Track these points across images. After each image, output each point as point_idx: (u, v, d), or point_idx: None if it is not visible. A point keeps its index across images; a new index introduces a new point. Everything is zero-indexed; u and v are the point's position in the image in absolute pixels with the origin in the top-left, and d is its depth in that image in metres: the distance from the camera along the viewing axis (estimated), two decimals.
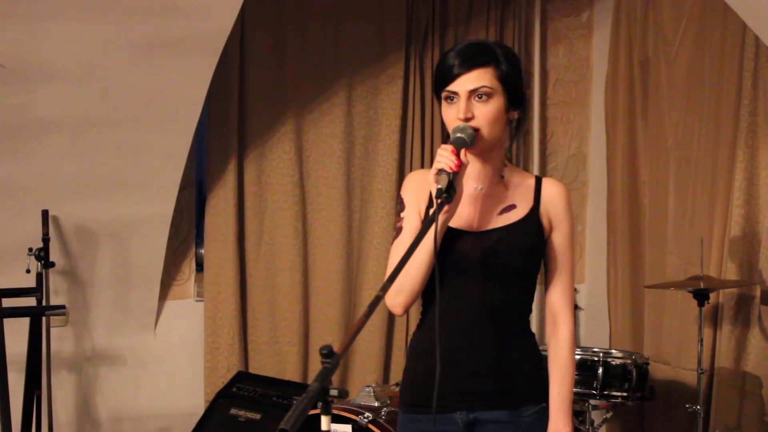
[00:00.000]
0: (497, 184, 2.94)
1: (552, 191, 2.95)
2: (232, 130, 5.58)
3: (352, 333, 2.20)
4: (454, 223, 2.85)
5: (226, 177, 5.58)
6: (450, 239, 2.85)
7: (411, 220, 2.91)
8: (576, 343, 3.06)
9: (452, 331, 2.87)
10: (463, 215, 2.88)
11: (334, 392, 2.05)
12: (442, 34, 5.98)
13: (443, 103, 2.86)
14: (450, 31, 6.02)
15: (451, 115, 2.82)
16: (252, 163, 5.66)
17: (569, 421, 2.94)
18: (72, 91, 4.83)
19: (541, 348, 3.03)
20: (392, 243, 2.95)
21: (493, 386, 2.89)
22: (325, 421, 2.06)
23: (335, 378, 5.72)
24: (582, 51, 6.49)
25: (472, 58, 2.81)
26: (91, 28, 4.65)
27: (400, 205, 2.98)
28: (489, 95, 2.79)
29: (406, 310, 2.90)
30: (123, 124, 5.02)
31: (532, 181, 2.98)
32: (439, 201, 2.63)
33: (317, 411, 2.04)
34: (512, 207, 2.92)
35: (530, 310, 3.00)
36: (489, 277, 2.87)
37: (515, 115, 2.90)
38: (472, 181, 2.92)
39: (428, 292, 2.86)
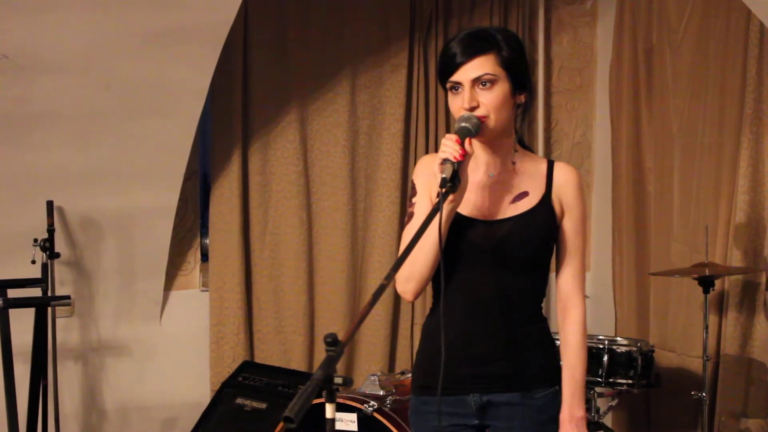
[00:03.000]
0: (509, 170, 2.94)
1: (563, 176, 2.95)
2: (236, 120, 5.58)
3: (356, 321, 2.20)
4: (465, 211, 2.87)
5: (230, 167, 5.58)
6: (461, 228, 2.86)
7: (422, 205, 2.91)
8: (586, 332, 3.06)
9: (464, 316, 2.89)
10: (474, 203, 2.89)
11: (338, 380, 2.05)
12: (446, 22, 5.98)
13: (449, 93, 2.86)
14: (454, 20, 6.01)
15: (457, 105, 2.83)
16: (256, 153, 5.66)
17: (582, 405, 2.97)
18: (76, 81, 4.83)
19: (553, 332, 3.04)
20: (404, 228, 2.97)
21: (506, 369, 2.91)
22: (329, 409, 2.07)
23: (340, 367, 5.73)
24: (586, 38, 6.48)
25: (473, 46, 2.80)
26: (95, 19, 4.65)
27: (412, 190, 2.99)
28: (492, 82, 2.79)
29: (417, 296, 2.93)
30: (127, 114, 5.02)
31: (544, 167, 2.98)
32: (443, 190, 2.63)
33: (322, 399, 2.05)
34: (524, 195, 2.92)
35: (543, 295, 3.02)
36: (501, 265, 2.88)
37: (522, 98, 2.90)
38: (483, 168, 2.93)
39: (439, 278, 2.86)
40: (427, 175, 2.92)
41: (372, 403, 4.31)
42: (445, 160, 2.66)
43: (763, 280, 5.17)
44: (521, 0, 6.19)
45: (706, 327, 4.97)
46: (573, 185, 2.96)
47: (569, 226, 2.97)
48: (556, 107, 6.47)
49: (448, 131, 3.07)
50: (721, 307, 5.30)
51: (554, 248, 3.01)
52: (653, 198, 5.87)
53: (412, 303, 5.88)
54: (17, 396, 4.67)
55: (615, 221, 6.15)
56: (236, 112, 5.58)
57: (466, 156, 2.69)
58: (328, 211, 5.81)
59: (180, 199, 5.45)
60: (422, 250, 2.78)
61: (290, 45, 5.70)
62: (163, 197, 5.36)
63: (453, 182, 2.64)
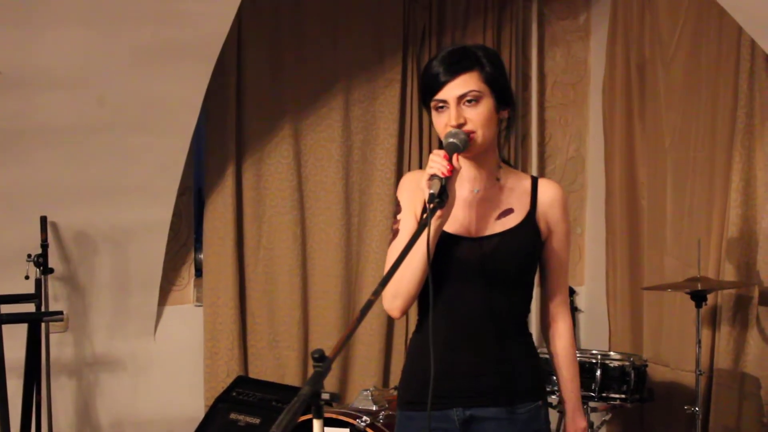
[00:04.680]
0: (493, 186, 2.95)
1: (548, 194, 2.96)
2: (230, 135, 5.59)
3: (344, 337, 2.21)
4: (451, 228, 2.87)
5: (224, 182, 5.59)
6: (447, 245, 2.86)
7: (407, 222, 2.92)
8: (575, 345, 3.09)
9: (450, 331, 2.90)
10: (460, 220, 2.89)
11: (325, 396, 2.05)
12: (439, 37, 5.99)
13: (433, 112, 2.87)
14: (447, 35, 6.02)
15: (443, 123, 2.84)
16: (250, 168, 5.67)
17: (583, 415, 3.06)
18: (69, 97, 4.83)
19: (539, 349, 3.06)
20: (389, 246, 2.96)
21: (488, 383, 2.91)
22: (317, 425, 2.07)
23: (336, 381, 5.76)
24: (579, 53, 6.50)
25: (457, 64, 2.82)
26: (88, 35, 4.66)
27: (396, 207, 3.00)
28: (478, 99, 2.81)
29: (404, 313, 2.91)
30: (121, 130, 5.03)
31: (528, 183, 2.98)
32: (431, 206, 2.64)
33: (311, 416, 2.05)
34: (509, 211, 2.93)
35: (528, 310, 3.02)
36: (487, 282, 2.88)
37: (505, 114, 2.91)
38: (468, 185, 2.93)
39: (425, 295, 2.87)
40: (411, 191, 2.94)
41: (365, 418, 4.31)
42: (433, 176, 2.66)
43: (756, 294, 5.17)
44: (514, 15, 6.21)
45: (699, 341, 4.97)
46: (558, 203, 2.98)
47: (555, 242, 2.98)
48: (549, 122, 6.49)
49: (441, 146, 3.12)
50: (714, 321, 5.31)
51: (538, 265, 3.02)
52: (646, 212, 5.87)
53: (407, 317, 5.88)
54: (11, 412, 4.66)
55: (608, 235, 6.15)
56: (230, 127, 5.59)
57: (454, 171, 2.70)
58: (322, 226, 5.82)
59: (174, 214, 5.46)
60: (409, 267, 2.78)
61: (284, 60, 5.71)
62: (156, 212, 5.37)
63: (441, 198, 2.65)
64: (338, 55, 5.83)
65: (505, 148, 3.02)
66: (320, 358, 2.05)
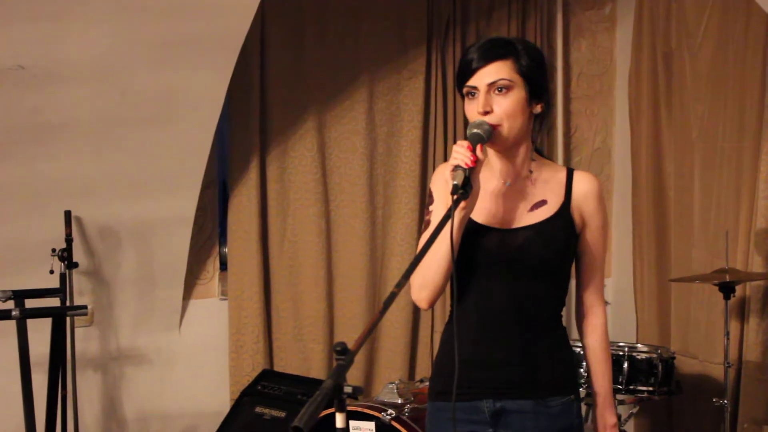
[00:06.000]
0: (526, 179, 2.92)
1: (583, 186, 2.93)
2: (254, 128, 5.58)
3: (366, 330, 2.18)
4: (480, 219, 2.85)
5: (248, 175, 5.58)
6: (477, 235, 2.84)
7: (439, 213, 2.89)
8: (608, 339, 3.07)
9: (479, 323, 2.88)
10: (490, 211, 2.87)
11: (348, 389, 2.04)
12: (463, 28, 5.96)
13: (465, 99, 2.85)
14: (471, 26, 5.99)
15: (472, 111, 2.82)
16: (274, 160, 5.66)
17: (614, 412, 3.04)
18: (92, 90, 4.83)
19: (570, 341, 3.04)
20: (420, 236, 2.95)
21: (520, 376, 2.89)
22: (340, 418, 2.06)
23: (361, 374, 5.75)
24: (605, 44, 6.45)
25: (491, 52, 2.80)
26: (110, 28, 4.65)
27: (429, 198, 2.98)
28: (508, 88, 2.78)
29: (432, 304, 2.90)
30: (144, 123, 5.02)
31: (563, 175, 2.95)
32: (455, 197, 2.62)
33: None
34: (542, 203, 2.90)
35: (562, 304, 2.99)
36: (517, 274, 2.86)
37: (539, 108, 2.87)
38: (499, 176, 2.91)
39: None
40: (444, 183, 2.91)
41: (390, 411, 4.29)
42: (456, 167, 2.65)
43: None
44: (539, 5, 6.17)
45: (727, 333, 4.93)
46: (594, 195, 2.93)
47: (590, 236, 2.95)
48: (575, 113, 6.44)
49: (466, 137, 3.10)
50: (742, 313, 5.26)
51: (574, 258, 2.99)
52: (673, 203, 5.83)
53: (432, 310, 5.86)
54: (36, 406, 4.66)
55: (635, 227, 6.11)
56: (254, 120, 5.58)
57: (477, 162, 2.67)
58: (346, 219, 5.80)
59: (198, 208, 5.45)
60: (435, 258, 2.77)
61: (307, 52, 5.69)
62: (181, 206, 5.36)
63: (465, 189, 2.63)
64: (362, 46, 5.80)
65: (537, 141, 2.98)
66: (342, 351, 2.03)
